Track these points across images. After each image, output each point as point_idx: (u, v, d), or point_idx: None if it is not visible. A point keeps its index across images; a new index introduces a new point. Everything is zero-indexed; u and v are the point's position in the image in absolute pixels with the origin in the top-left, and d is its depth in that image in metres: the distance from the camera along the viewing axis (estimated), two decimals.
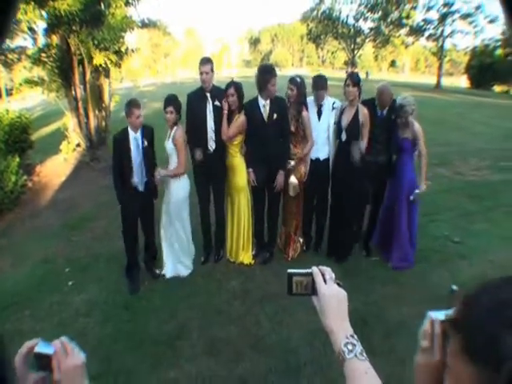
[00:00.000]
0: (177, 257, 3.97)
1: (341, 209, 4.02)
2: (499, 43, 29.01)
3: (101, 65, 6.56)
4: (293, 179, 3.89)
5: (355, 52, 35.08)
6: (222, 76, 35.36)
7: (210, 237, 4.28)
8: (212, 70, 3.77)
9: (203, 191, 4.09)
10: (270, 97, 3.70)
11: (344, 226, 4.06)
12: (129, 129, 3.58)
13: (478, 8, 27.01)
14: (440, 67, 31.36)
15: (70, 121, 7.65)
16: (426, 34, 29.89)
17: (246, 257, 4.16)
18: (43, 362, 0.77)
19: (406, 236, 3.95)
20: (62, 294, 3.81)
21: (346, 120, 3.77)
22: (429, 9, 28.95)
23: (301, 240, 4.34)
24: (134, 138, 3.59)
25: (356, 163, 3.70)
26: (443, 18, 28.03)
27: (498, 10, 28.48)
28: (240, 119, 3.73)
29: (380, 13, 30.77)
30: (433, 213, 5.21)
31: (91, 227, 5.37)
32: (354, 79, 3.68)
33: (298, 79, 3.81)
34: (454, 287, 3.43)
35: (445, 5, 27.68)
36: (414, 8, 29.79)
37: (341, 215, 4.03)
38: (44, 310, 3.53)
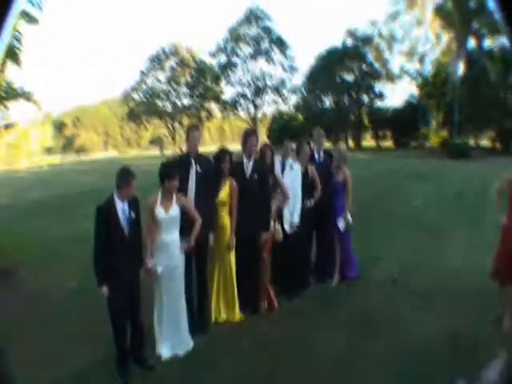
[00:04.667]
0: (175, 332, 3.71)
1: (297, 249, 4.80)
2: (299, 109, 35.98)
3: None
4: (278, 226, 4.46)
5: (174, 129, 37.08)
6: (23, 167, 27.76)
7: (193, 309, 4.16)
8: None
9: (186, 262, 3.98)
10: (249, 153, 4.26)
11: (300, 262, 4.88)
12: (115, 198, 3.23)
13: (282, 82, 34.13)
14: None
15: None
16: (241, 106, 35.43)
17: (235, 314, 4.31)
18: None
19: (350, 252, 5.13)
20: None
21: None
22: (242, 85, 34.55)
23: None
24: (122, 210, 3.25)
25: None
26: (256, 92, 34.09)
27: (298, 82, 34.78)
28: (233, 183, 4.12)
29: (200, 90, 34.80)
30: None
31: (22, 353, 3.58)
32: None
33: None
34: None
35: (256, 80, 33.87)
36: (231, 84, 34.93)
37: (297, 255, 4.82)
38: None
